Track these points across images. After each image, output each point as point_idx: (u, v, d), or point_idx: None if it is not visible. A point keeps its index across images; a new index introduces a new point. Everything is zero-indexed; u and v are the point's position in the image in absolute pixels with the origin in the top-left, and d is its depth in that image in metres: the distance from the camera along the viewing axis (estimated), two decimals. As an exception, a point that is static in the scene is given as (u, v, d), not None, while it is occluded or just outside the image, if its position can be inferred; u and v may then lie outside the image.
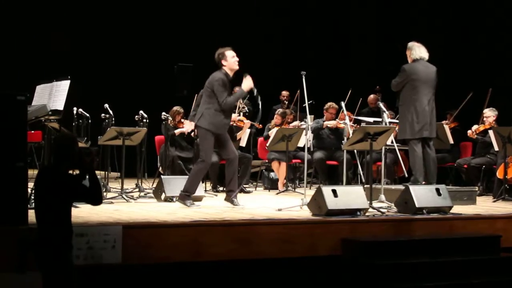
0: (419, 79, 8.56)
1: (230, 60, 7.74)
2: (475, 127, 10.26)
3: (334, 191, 7.00)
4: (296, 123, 10.75)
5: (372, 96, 12.19)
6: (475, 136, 10.27)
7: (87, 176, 4.99)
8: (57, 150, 5.00)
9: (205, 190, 9.28)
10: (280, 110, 11.19)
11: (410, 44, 8.79)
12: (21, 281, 5.03)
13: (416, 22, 13.23)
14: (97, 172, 5.12)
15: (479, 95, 10.64)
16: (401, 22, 13.47)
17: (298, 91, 11.02)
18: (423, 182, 8.44)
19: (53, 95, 7.10)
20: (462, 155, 10.97)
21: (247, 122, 10.36)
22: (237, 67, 7.78)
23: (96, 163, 5.18)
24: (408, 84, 8.58)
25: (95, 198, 5.01)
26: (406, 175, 8.96)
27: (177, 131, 10.44)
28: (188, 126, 9.94)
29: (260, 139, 11.39)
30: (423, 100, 8.52)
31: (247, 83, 7.75)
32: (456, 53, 12.44)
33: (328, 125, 10.74)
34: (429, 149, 8.66)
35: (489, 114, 10.19)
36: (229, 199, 7.85)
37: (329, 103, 10.92)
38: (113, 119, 9.42)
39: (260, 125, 11.11)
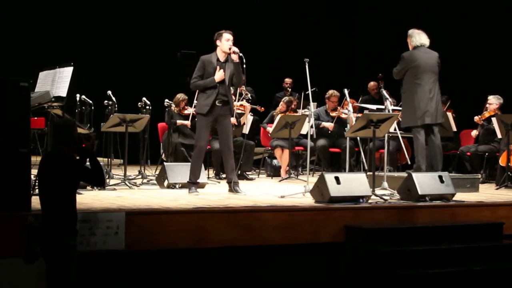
0: (420, 66, 8.52)
1: (224, 42, 7.77)
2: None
3: (337, 178, 6.99)
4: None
5: (372, 83, 12.11)
6: (481, 122, 10.22)
7: (88, 160, 5.08)
8: (57, 134, 5.05)
9: (208, 177, 9.30)
10: (286, 98, 11.13)
11: (410, 31, 8.76)
12: (24, 267, 5.04)
13: (421, 7, 13.16)
14: (99, 158, 5.15)
15: (479, 82, 10.58)
16: (406, 7, 13.39)
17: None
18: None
19: (56, 81, 7.08)
20: (462, 143, 10.94)
21: (248, 105, 10.32)
22: (227, 51, 7.77)
23: (96, 147, 5.21)
24: (409, 71, 8.57)
25: (98, 180, 5.21)
26: (409, 163, 8.95)
27: (179, 122, 10.41)
28: None
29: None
30: (425, 87, 8.49)
31: (219, 74, 7.73)
32: (458, 39, 12.39)
33: (326, 126, 10.68)
34: (434, 136, 8.59)
35: (493, 101, 10.13)
36: (232, 188, 7.91)
37: (330, 91, 10.83)
38: (116, 105, 9.42)
39: (263, 108, 11.06)
